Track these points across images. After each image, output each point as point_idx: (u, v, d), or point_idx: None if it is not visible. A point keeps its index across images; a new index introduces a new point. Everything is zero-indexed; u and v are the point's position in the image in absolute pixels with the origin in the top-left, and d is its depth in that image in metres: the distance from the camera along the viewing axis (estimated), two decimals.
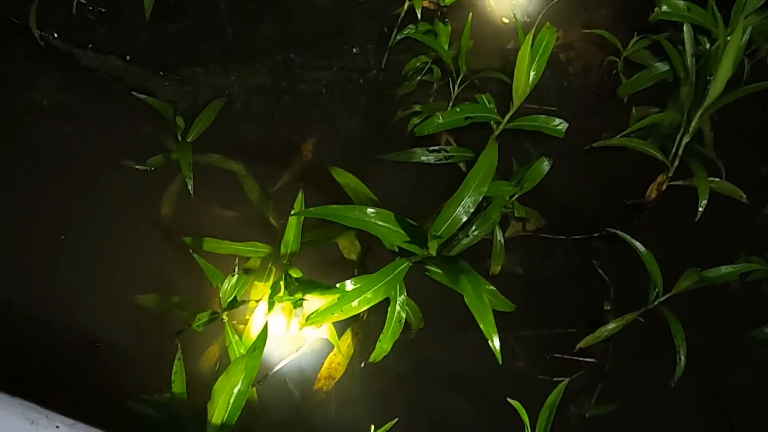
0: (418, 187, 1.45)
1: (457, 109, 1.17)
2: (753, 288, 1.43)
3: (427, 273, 1.03)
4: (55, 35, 1.35)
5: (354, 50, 1.49)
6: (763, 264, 1.40)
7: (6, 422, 0.66)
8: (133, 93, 1.26)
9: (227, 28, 1.47)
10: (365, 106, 1.49)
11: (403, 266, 0.96)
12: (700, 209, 1.21)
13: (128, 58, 1.36)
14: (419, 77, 1.45)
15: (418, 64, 1.42)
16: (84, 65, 1.37)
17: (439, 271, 0.95)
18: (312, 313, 1.09)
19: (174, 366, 1.01)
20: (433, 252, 0.88)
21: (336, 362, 1.25)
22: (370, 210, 0.89)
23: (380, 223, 0.90)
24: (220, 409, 0.94)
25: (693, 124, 1.21)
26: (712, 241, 1.43)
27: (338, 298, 0.93)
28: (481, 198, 0.93)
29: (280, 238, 1.25)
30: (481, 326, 0.84)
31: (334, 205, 0.89)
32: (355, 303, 0.92)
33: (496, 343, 0.84)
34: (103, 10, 1.40)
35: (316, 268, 1.34)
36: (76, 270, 1.28)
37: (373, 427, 0.92)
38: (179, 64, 1.40)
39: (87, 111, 1.37)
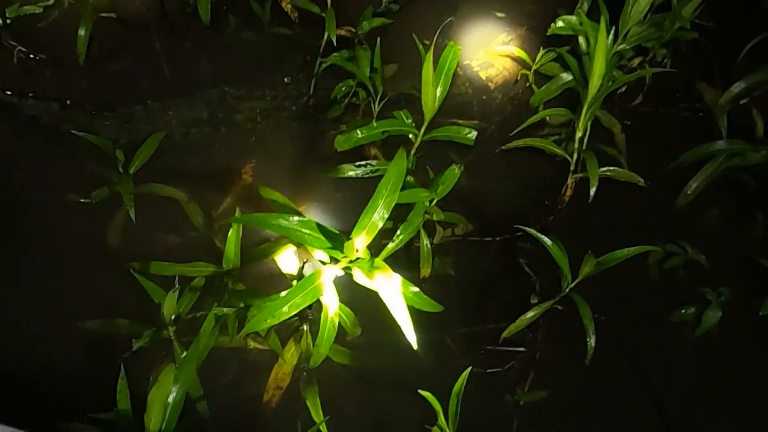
0: (352, 201, 1.55)
1: (374, 124, 1.27)
2: (670, 274, 1.55)
3: (352, 278, 1.12)
4: None
5: (285, 80, 1.59)
6: (678, 250, 1.53)
7: None
8: (73, 132, 1.33)
9: (163, 66, 1.56)
10: (299, 131, 1.59)
11: (327, 271, 1.04)
12: (591, 192, 1.33)
13: (68, 102, 1.44)
14: (346, 100, 1.55)
15: (344, 88, 1.53)
16: (25, 113, 1.44)
17: (360, 275, 1.04)
18: (249, 321, 1.18)
19: (118, 384, 1.07)
20: (351, 255, 0.97)
21: (282, 372, 1.32)
22: (293, 218, 0.98)
23: (303, 230, 0.98)
24: (155, 419, 1.01)
25: (582, 119, 1.33)
26: (629, 233, 1.55)
27: (270, 305, 1.01)
28: (393, 203, 1.02)
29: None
30: (401, 323, 0.92)
31: (260, 213, 0.98)
32: (285, 308, 1.00)
33: (413, 339, 0.92)
34: (43, 56, 1.47)
35: (261, 284, 1.43)
36: (26, 299, 1.33)
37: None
38: (118, 103, 1.48)
39: (32, 153, 1.44)
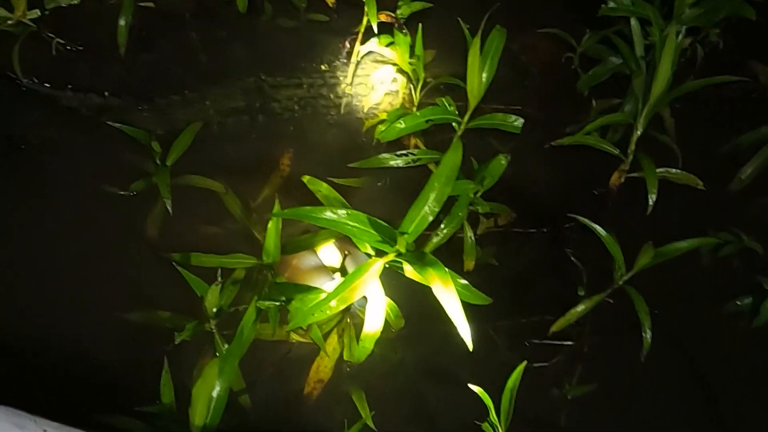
0: (392, 192, 1.52)
1: (418, 113, 1.23)
2: (724, 263, 1.49)
3: (400, 272, 1.09)
4: (35, 80, 1.41)
5: (322, 67, 1.56)
6: (732, 238, 1.47)
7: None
8: (110, 123, 1.32)
9: (200, 55, 1.54)
10: (337, 119, 1.55)
11: (375, 265, 1.01)
12: (650, 203, 1.27)
13: (106, 93, 1.43)
14: (384, 87, 1.51)
15: (382, 75, 1.49)
16: (65, 104, 1.43)
17: (411, 269, 1.01)
18: (294, 316, 1.16)
19: (162, 378, 1.06)
20: (402, 249, 0.94)
21: (323, 365, 1.31)
22: (341, 211, 0.95)
23: (351, 223, 0.95)
24: (200, 413, 1.00)
25: (641, 120, 1.27)
26: (681, 221, 1.49)
27: (317, 300, 0.98)
28: (445, 196, 0.99)
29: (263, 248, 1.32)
30: (453, 317, 0.89)
31: (308, 207, 0.95)
32: (333, 303, 0.98)
33: (467, 334, 0.89)
34: (81, 48, 1.46)
35: (300, 277, 1.41)
36: (68, 291, 1.33)
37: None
38: (155, 93, 1.46)
39: (71, 145, 1.43)
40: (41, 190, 1.38)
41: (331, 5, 1.59)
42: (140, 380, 1.24)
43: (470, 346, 0.89)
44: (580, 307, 1.27)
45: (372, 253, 1.07)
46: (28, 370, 1.23)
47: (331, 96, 1.55)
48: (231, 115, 1.49)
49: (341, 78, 1.55)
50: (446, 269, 0.94)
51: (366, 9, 1.36)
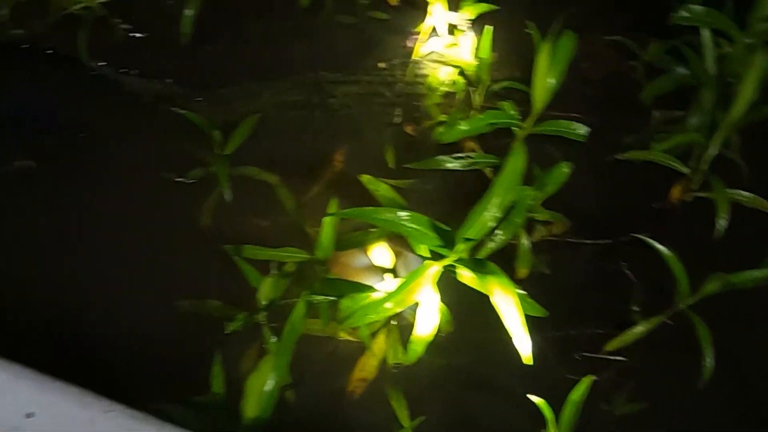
0: (445, 194, 1.50)
1: (480, 116, 1.21)
2: None
3: (455, 276, 1.07)
4: (101, 64, 1.44)
5: (381, 65, 1.55)
6: None
7: (63, 409, 0.73)
8: (174, 109, 1.34)
9: (260, 47, 1.55)
10: (392, 118, 1.54)
11: (433, 269, 1.00)
12: (720, 228, 1.23)
13: (169, 80, 1.45)
14: (444, 88, 1.50)
15: (442, 76, 1.47)
16: (128, 90, 1.45)
17: (469, 275, 0.99)
18: (347, 315, 1.15)
19: (213, 369, 1.07)
20: (463, 255, 0.93)
21: (368, 364, 1.30)
22: (402, 213, 0.94)
23: (412, 225, 0.94)
24: (252, 407, 0.99)
25: (715, 141, 1.23)
26: (745, 244, 1.44)
27: (373, 300, 0.98)
28: (508, 203, 0.97)
29: (315, 244, 1.32)
30: (510, 328, 0.87)
31: (368, 207, 0.94)
32: (389, 305, 0.97)
33: (526, 346, 0.87)
34: (145, 35, 1.48)
35: (348, 274, 1.40)
36: (121, 275, 1.35)
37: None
38: (216, 83, 1.47)
39: (131, 131, 1.45)
40: (101, 174, 1.40)
41: (392, 4, 1.59)
42: (187, 369, 1.26)
43: (529, 360, 0.88)
44: (639, 328, 1.24)
45: (428, 256, 1.06)
46: (81, 353, 1.25)
47: (388, 94, 1.54)
48: (288, 108, 1.50)
49: (399, 77, 1.54)
50: (508, 279, 0.93)
51: (429, 9, 1.34)
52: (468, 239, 0.92)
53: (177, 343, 1.28)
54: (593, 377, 0.98)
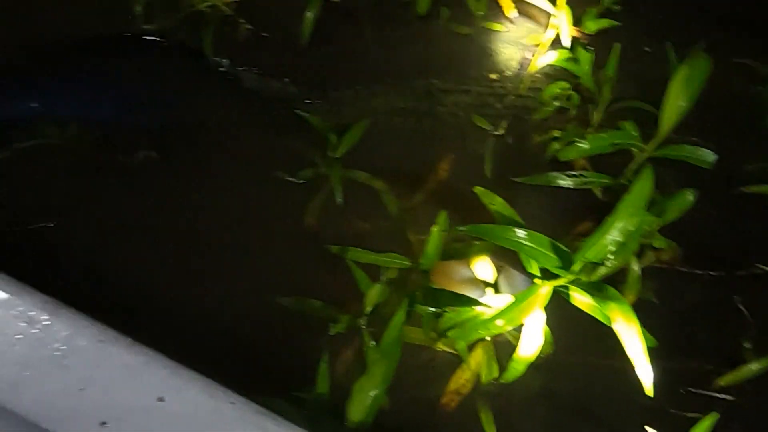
0: (549, 211, 1.47)
1: (603, 135, 1.18)
2: None
3: (566, 298, 1.05)
4: (224, 60, 1.49)
5: (493, 76, 1.53)
6: None
7: (191, 397, 0.75)
8: (293, 110, 1.37)
9: (373, 52, 1.56)
10: (501, 130, 1.52)
11: (544, 289, 0.98)
12: None
13: (286, 79, 1.49)
14: (557, 103, 1.47)
15: (557, 90, 1.44)
16: (247, 86, 1.50)
17: (584, 298, 0.97)
18: (452, 328, 1.15)
19: (319, 367, 1.09)
20: (583, 277, 0.90)
21: (464, 378, 1.29)
22: (521, 232, 0.93)
23: (532, 245, 0.93)
24: (357, 411, 1.01)
25: None
26: None
27: (484, 316, 0.97)
28: (631, 228, 0.94)
29: (416, 251, 1.32)
30: (633, 357, 0.84)
31: (488, 225, 0.94)
32: (500, 322, 0.96)
33: (648, 376, 0.84)
34: (266, 35, 1.53)
35: (448, 284, 1.39)
36: (227, 267, 1.39)
37: None
38: (329, 85, 1.50)
39: (248, 127, 1.49)
40: (216, 168, 1.45)
41: (508, 16, 1.57)
42: (285, 363, 1.29)
43: (650, 391, 0.84)
44: (754, 366, 1.17)
45: (538, 275, 1.04)
46: (189, 342, 1.30)
47: (499, 106, 1.52)
48: (398, 114, 1.51)
49: (511, 89, 1.52)
50: (630, 306, 0.90)
51: (551, 22, 1.32)
52: (587, 262, 0.90)
53: (276, 338, 1.31)
54: (717, 415, 0.93)
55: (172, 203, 1.40)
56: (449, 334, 1.05)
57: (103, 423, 0.72)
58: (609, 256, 1.19)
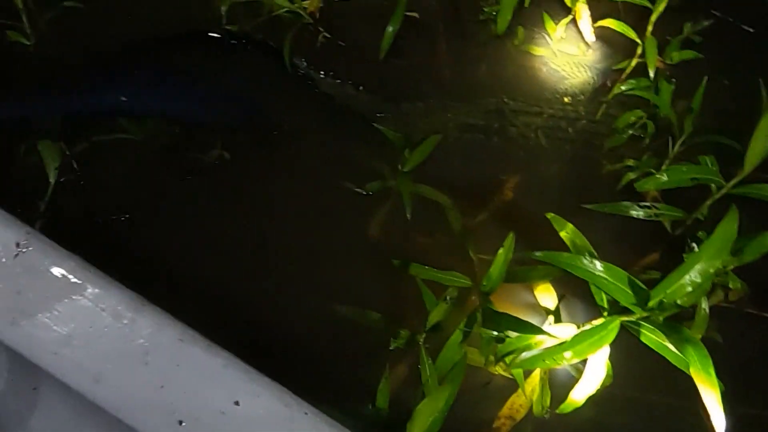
0: (615, 240, 1.44)
1: (683, 169, 1.15)
2: None
3: (634, 334, 1.03)
4: (302, 65, 1.51)
5: (566, 99, 1.52)
6: None
7: (266, 403, 0.76)
8: (369, 122, 1.39)
9: (447, 69, 1.56)
10: (571, 155, 1.51)
11: (614, 323, 0.96)
12: None
13: (361, 87, 1.50)
14: (630, 131, 1.44)
15: (632, 119, 1.42)
16: (322, 90, 1.52)
17: (656, 337, 0.95)
18: (511, 353, 1.13)
19: (381, 382, 1.09)
20: (659, 317, 0.88)
21: (518, 404, 1.27)
22: (599, 264, 0.91)
23: (609, 279, 0.91)
24: (419, 430, 1.01)
25: None
26: None
27: (543, 344, 0.95)
28: (713, 270, 0.91)
29: (477, 271, 1.31)
30: (707, 402, 0.82)
31: (563, 253, 0.92)
32: (568, 354, 0.94)
33: (720, 422, 0.82)
34: (342, 44, 1.54)
35: (506, 307, 1.38)
36: (288, 272, 1.41)
37: None
38: (402, 98, 1.51)
39: (320, 134, 1.51)
40: (285, 172, 1.47)
41: (586, 40, 1.55)
42: (339, 373, 1.30)
43: None
44: None
45: (606, 307, 1.03)
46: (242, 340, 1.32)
47: (570, 130, 1.50)
48: (468, 131, 1.50)
49: (584, 114, 1.50)
50: (707, 351, 0.88)
51: (638, 50, 1.30)
52: (676, 304, 0.88)
53: (330, 346, 1.32)
54: None
55: (241, 204, 1.42)
56: (511, 360, 1.03)
57: (181, 422, 0.74)
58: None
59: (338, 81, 1.51)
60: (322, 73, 1.51)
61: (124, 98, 1.42)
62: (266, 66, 1.50)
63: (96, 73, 1.46)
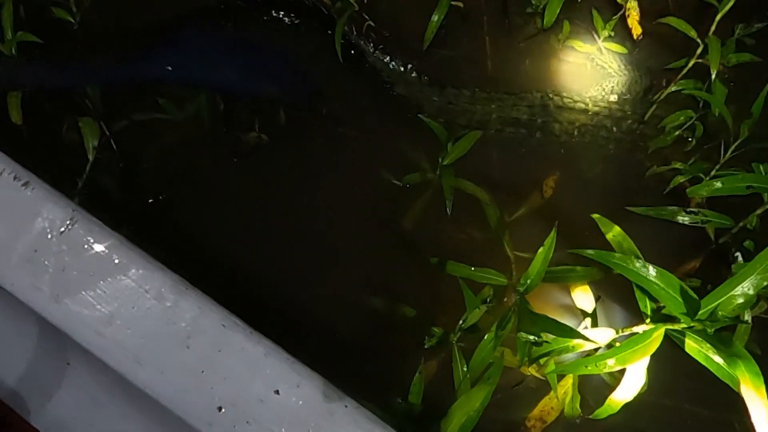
0: (656, 244, 1.40)
1: (738, 176, 1.12)
2: None
3: (677, 342, 1.00)
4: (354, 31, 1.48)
5: (612, 98, 1.48)
6: None
7: (306, 394, 0.75)
8: (420, 116, 1.37)
9: (491, 60, 1.53)
10: (613, 154, 1.47)
11: (658, 331, 0.94)
12: None
13: (409, 66, 1.47)
14: (677, 133, 1.40)
15: (681, 119, 1.38)
16: (369, 63, 1.50)
17: (700, 348, 0.92)
18: (546, 355, 1.11)
19: (414, 378, 1.08)
20: (710, 328, 0.86)
21: (550, 406, 1.26)
22: (652, 269, 0.89)
23: (661, 285, 0.89)
24: (453, 428, 1.00)
25: None
26: None
27: (594, 352, 0.93)
28: (765, 282, 0.88)
29: (513, 268, 1.29)
30: (756, 420, 0.80)
31: (617, 254, 0.90)
32: (611, 362, 0.92)
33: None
34: (387, 34, 1.52)
35: (541, 308, 1.36)
36: (321, 260, 1.40)
37: None
38: (448, 83, 1.48)
39: (360, 121, 1.49)
40: (323, 158, 1.46)
41: (635, 37, 1.51)
42: (369, 365, 1.29)
43: None
44: None
45: (649, 314, 1.00)
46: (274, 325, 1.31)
47: (615, 129, 1.47)
48: (511, 125, 1.47)
49: (629, 114, 1.46)
50: (758, 367, 0.85)
51: (705, 52, 1.25)
52: (727, 317, 0.85)
53: (362, 337, 1.31)
54: None
55: (279, 190, 1.42)
56: (550, 365, 1.01)
57: (220, 408, 0.73)
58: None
59: (385, 54, 1.48)
60: (368, 43, 1.48)
61: (168, 67, 1.41)
62: (326, 47, 1.47)
63: (142, 42, 1.46)
